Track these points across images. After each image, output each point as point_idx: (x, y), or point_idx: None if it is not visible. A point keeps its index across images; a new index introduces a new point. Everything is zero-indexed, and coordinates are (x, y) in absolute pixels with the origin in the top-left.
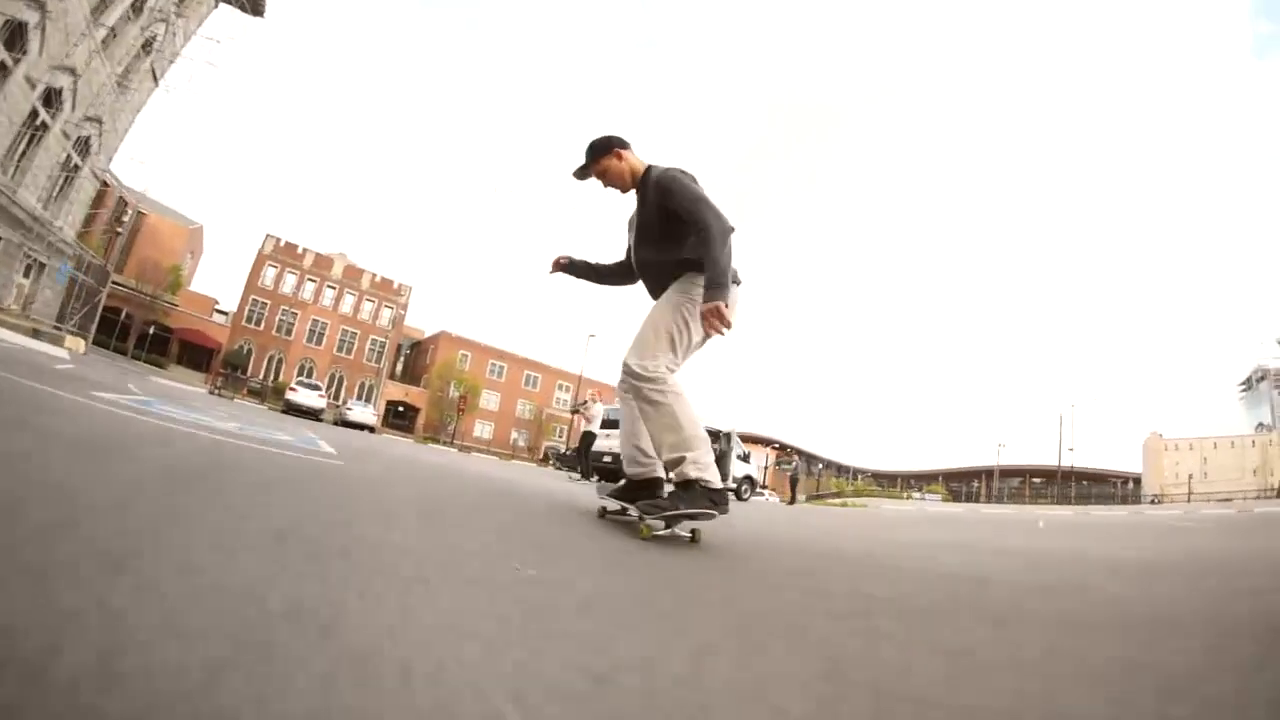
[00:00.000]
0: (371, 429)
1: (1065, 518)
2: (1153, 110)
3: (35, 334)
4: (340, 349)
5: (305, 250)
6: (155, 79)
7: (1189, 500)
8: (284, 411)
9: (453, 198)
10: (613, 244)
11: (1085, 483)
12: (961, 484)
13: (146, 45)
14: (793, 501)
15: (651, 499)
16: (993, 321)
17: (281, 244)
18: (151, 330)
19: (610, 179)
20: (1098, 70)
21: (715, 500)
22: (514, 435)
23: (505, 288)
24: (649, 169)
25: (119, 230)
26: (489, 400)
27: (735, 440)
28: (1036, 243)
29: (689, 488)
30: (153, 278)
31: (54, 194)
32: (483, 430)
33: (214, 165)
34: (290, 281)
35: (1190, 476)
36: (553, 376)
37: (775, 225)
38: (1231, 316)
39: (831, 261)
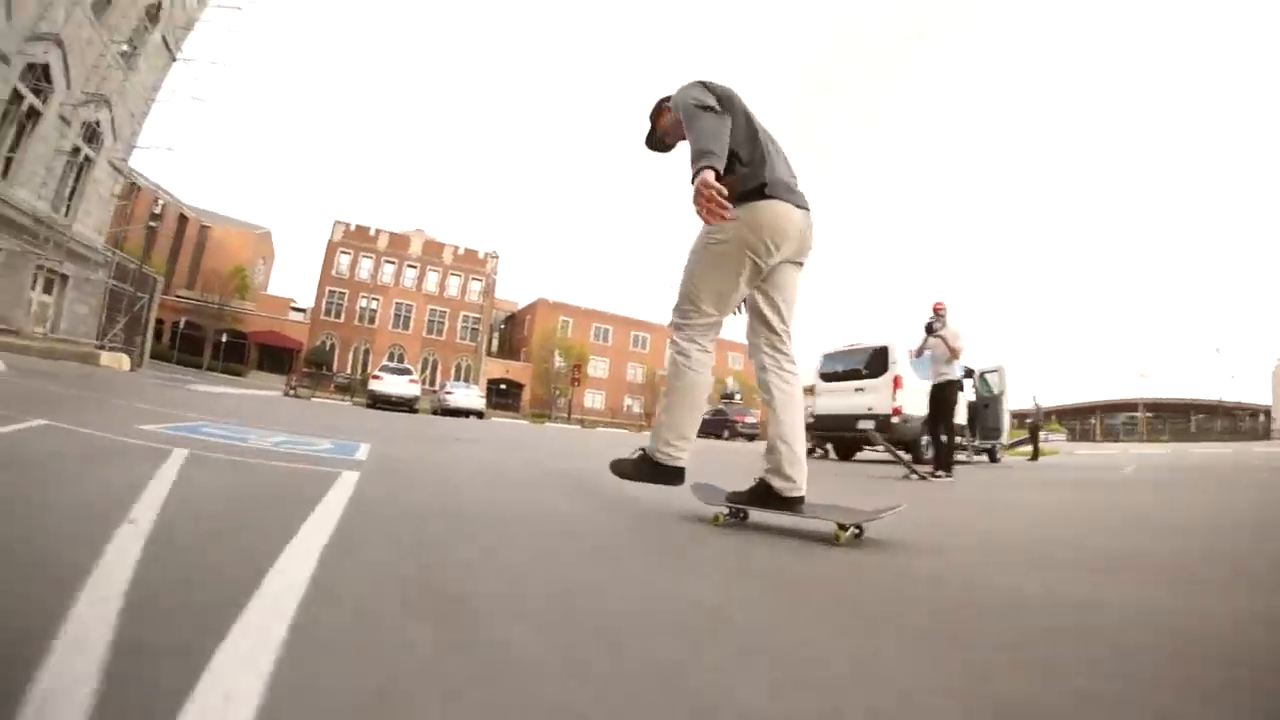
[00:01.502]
0: (479, 414)
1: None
2: None
3: (51, 355)
4: (430, 330)
5: (378, 231)
6: (170, 50)
7: None
8: (370, 405)
9: (528, 152)
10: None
11: (1202, 415)
12: (1076, 420)
13: (151, 12)
14: (1035, 457)
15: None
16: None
17: (352, 228)
18: (224, 338)
19: (672, 137)
20: None
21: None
22: (627, 402)
23: (597, 243)
24: None
25: (151, 225)
26: (596, 367)
27: (1003, 377)
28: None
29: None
30: (217, 285)
31: (66, 192)
32: (593, 400)
33: (263, 153)
34: (366, 266)
35: None
36: (662, 334)
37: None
38: None
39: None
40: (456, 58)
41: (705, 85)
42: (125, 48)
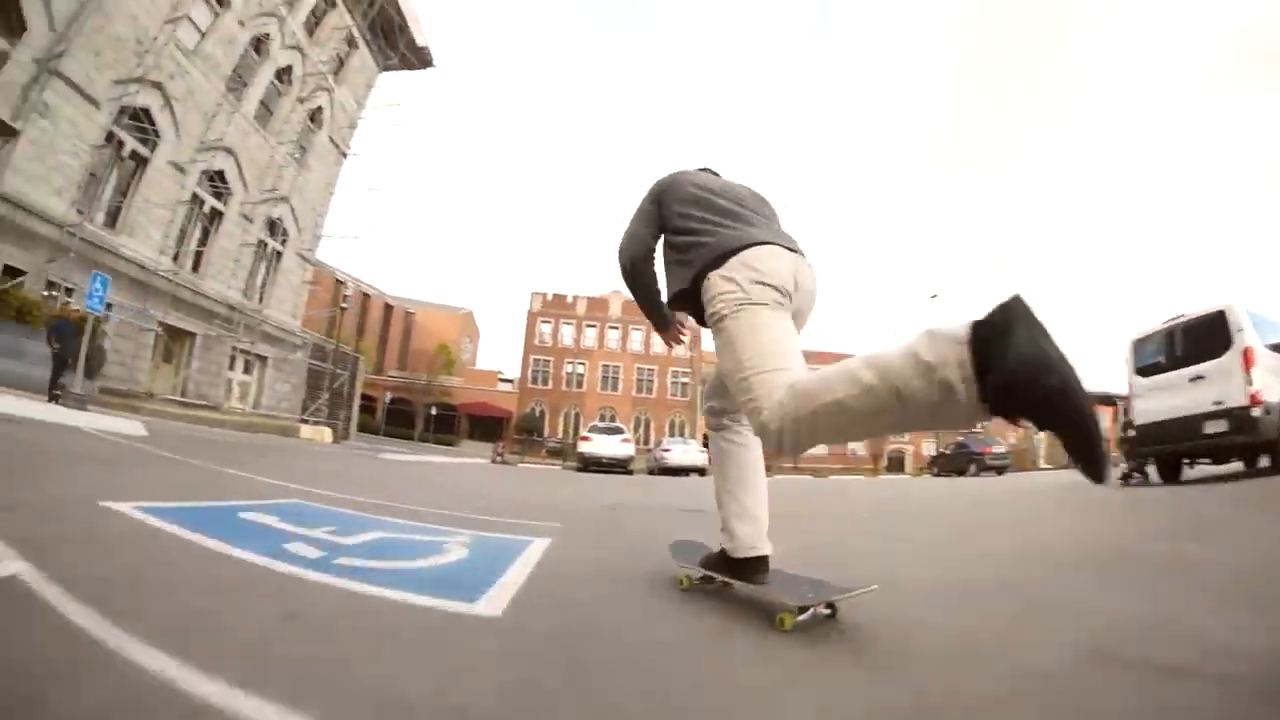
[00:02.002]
0: (700, 470)
1: None
2: None
3: (249, 428)
4: (640, 389)
5: (575, 298)
6: (340, 149)
7: None
8: (581, 468)
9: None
10: None
11: None
12: None
13: (314, 117)
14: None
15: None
16: None
17: (549, 297)
18: (434, 411)
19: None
20: None
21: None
22: (851, 445)
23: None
24: None
25: (342, 306)
26: None
27: None
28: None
29: None
30: (424, 363)
31: (258, 282)
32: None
33: (451, 237)
34: (568, 333)
35: None
36: None
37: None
38: None
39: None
40: (611, 120)
41: (642, 207)
42: (293, 150)
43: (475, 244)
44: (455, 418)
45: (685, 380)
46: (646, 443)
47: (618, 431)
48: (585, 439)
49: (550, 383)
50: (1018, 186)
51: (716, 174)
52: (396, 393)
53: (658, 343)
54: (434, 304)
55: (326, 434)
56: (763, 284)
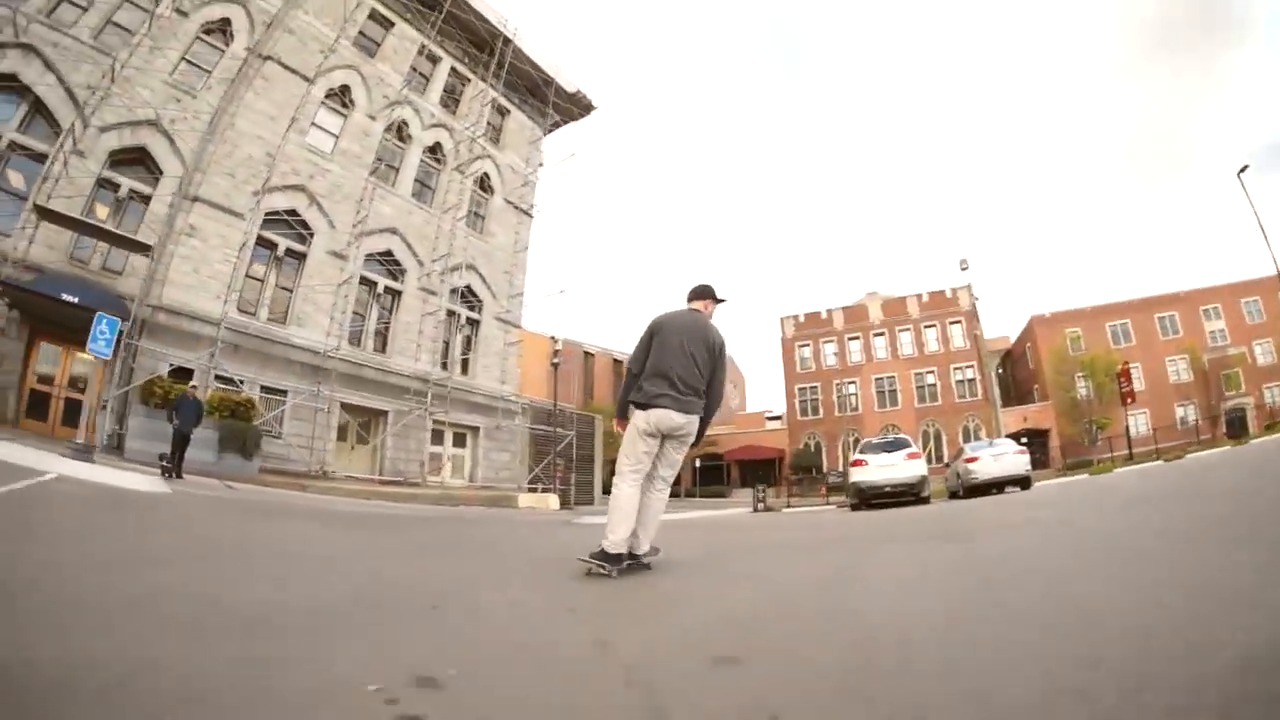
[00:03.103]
0: (1023, 481)
1: None
2: None
3: (446, 500)
4: (922, 398)
5: (829, 312)
6: (520, 209)
7: None
8: (857, 505)
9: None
10: None
11: None
12: None
13: (483, 184)
14: None
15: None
16: None
17: (801, 319)
18: (698, 464)
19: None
20: None
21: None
22: (1179, 412)
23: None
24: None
25: (554, 363)
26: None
27: None
28: None
29: None
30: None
31: (457, 352)
32: (1134, 422)
33: (660, 280)
34: (830, 352)
35: None
36: (1192, 304)
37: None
38: None
39: None
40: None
41: (641, 337)
42: (467, 219)
43: (706, 279)
44: (724, 466)
45: (972, 378)
46: (940, 458)
47: (900, 446)
48: (858, 463)
49: (821, 410)
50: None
51: (698, 310)
52: None
53: (931, 341)
54: None
55: (552, 501)
56: (644, 427)
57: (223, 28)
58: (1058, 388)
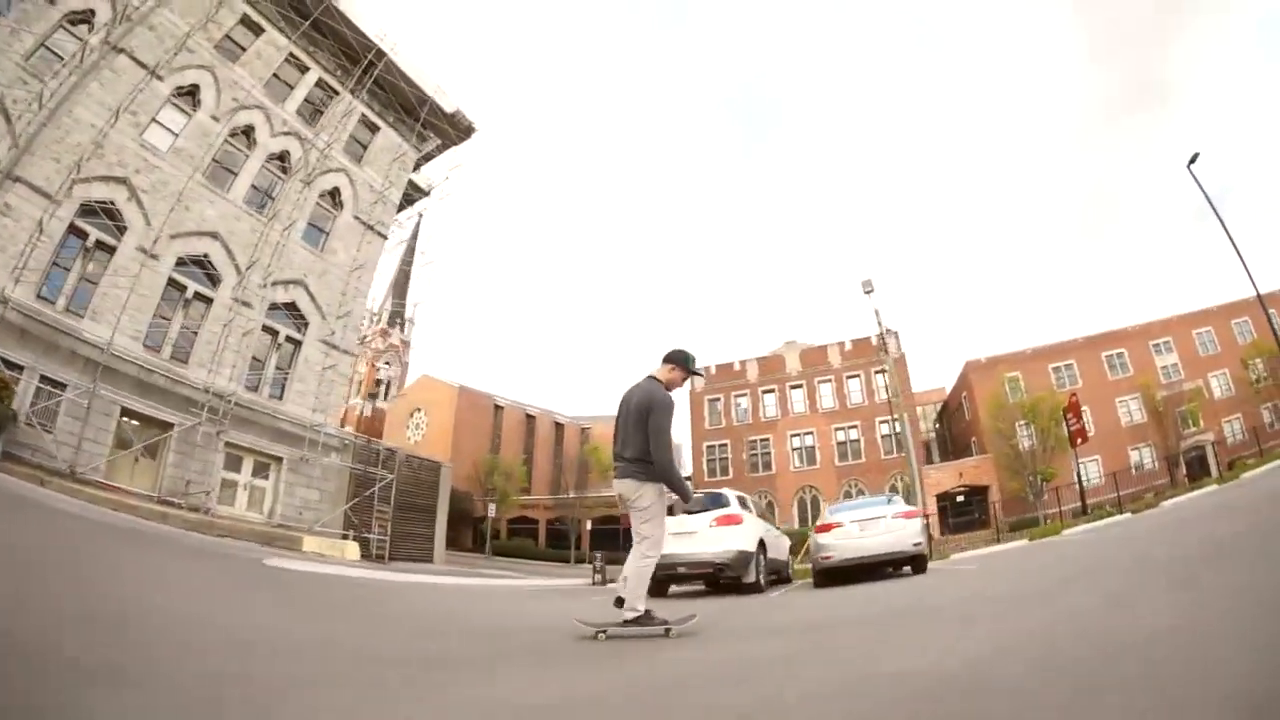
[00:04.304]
0: (913, 561)
1: None
2: None
3: (231, 533)
4: (843, 456)
5: (743, 363)
6: (371, 228)
7: None
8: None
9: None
10: None
11: None
12: None
13: (333, 198)
14: None
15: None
16: None
17: (712, 371)
18: (590, 526)
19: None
20: None
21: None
22: (1133, 455)
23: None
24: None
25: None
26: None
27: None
28: None
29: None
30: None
31: (269, 372)
32: (1086, 471)
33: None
34: (743, 406)
35: None
36: (1140, 339)
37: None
38: None
39: None
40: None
41: None
42: (289, 229)
43: (625, 334)
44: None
45: (899, 428)
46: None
47: (716, 504)
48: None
49: (731, 470)
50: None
51: (653, 377)
52: (553, 513)
53: (855, 392)
54: (606, 415)
55: (350, 549)
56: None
57: (87, 18)
58: (996, 437)
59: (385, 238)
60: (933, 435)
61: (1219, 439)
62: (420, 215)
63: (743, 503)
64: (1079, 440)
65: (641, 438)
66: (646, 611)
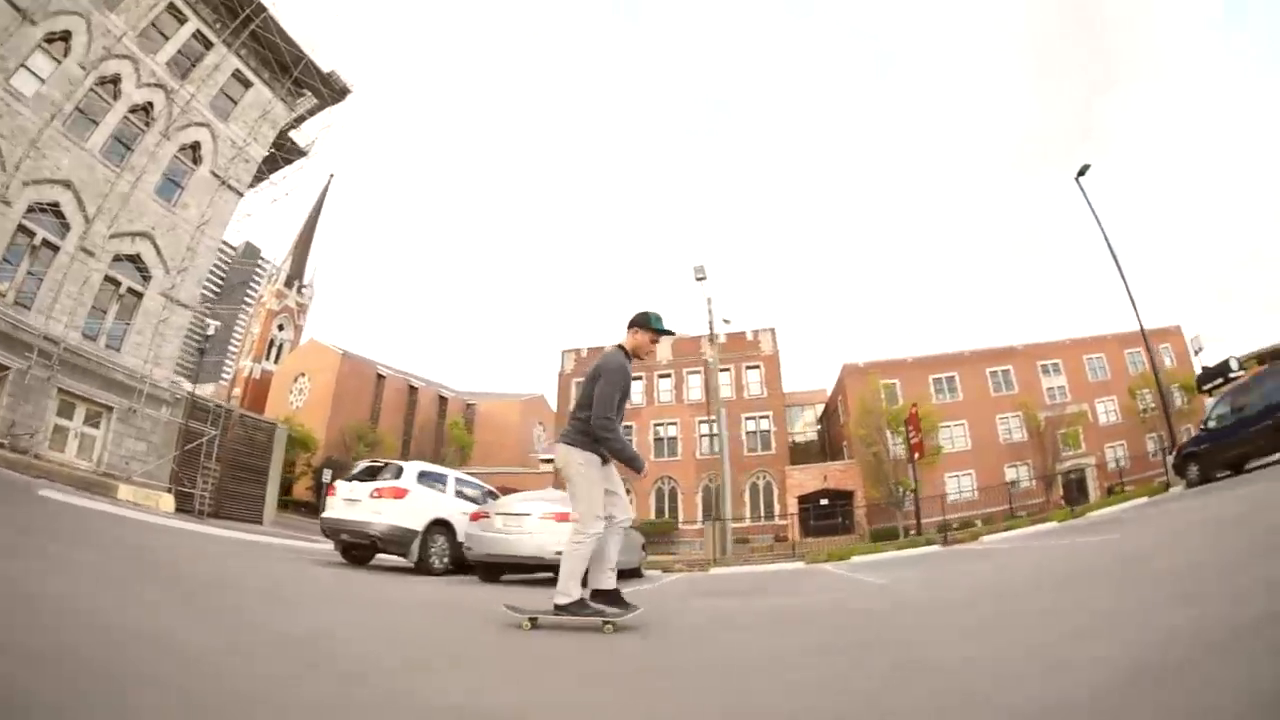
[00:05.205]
0: (550, 568)
1: None
2: None
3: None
4: (704, 449)
5: None
6: (228, 184)
7: None
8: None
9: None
10: None
11: None
12: None
13: (193, 153)
14: None
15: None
16: None
17: (584, 354)
18: None
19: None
20: None
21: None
22: (1010, 474)
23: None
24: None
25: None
26: (952, 437)
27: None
28: None
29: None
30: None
31: (108, 323)
32: (958, 485)
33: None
34: None
35: None
36: (1029, 359)
37: None
38: None
39: None
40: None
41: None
42: (160, 184)
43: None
44: None
45: (767, 426)
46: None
47: (376, 473)
48: (330, 491)
49: None
50: None
51: (620, 345)
52: None
53: (724, 384)
54: (498, 394)
55: (165, 501)
56: None
57: None
58: (860, 443)
59: (241, 195)
60: (813, 437)
61: (1100, 463)
62: (331, 176)
63: (431, 478)
64: (917, 454)
65: (587, 404)
66: (580, 599)
